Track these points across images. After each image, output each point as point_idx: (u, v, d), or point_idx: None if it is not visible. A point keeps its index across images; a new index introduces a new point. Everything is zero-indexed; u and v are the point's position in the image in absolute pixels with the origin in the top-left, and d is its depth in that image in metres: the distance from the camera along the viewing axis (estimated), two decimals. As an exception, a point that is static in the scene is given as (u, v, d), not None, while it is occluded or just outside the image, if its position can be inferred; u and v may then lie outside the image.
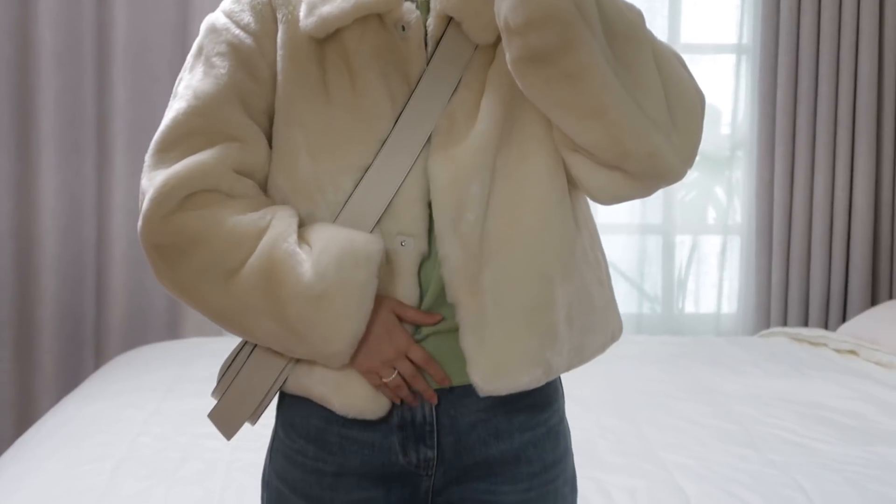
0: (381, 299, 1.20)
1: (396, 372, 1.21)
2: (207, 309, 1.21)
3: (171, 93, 1.27)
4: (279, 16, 1.24)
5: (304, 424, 1.27)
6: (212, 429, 1.31)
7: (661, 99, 1.16)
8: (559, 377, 1.32)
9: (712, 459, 2.23)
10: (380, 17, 1.22)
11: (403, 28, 1.21)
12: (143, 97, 3.55)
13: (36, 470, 2.14)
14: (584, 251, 1.28)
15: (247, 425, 1.29)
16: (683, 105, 1.19)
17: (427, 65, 1.22)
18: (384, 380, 1.21)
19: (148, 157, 1.22)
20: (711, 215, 4.07)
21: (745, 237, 3.96)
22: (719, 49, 3.97)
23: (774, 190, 3.85)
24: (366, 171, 1.21)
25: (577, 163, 1.21)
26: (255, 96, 1.23)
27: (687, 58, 1.44)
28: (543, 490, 1.28)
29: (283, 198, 1.24)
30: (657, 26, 3.85)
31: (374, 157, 1.21)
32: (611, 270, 1.54)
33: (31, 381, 3.58)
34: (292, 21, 1.23)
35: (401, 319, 1.21)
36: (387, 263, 1.21)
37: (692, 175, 3.92)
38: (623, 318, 1.40)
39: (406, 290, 1.21)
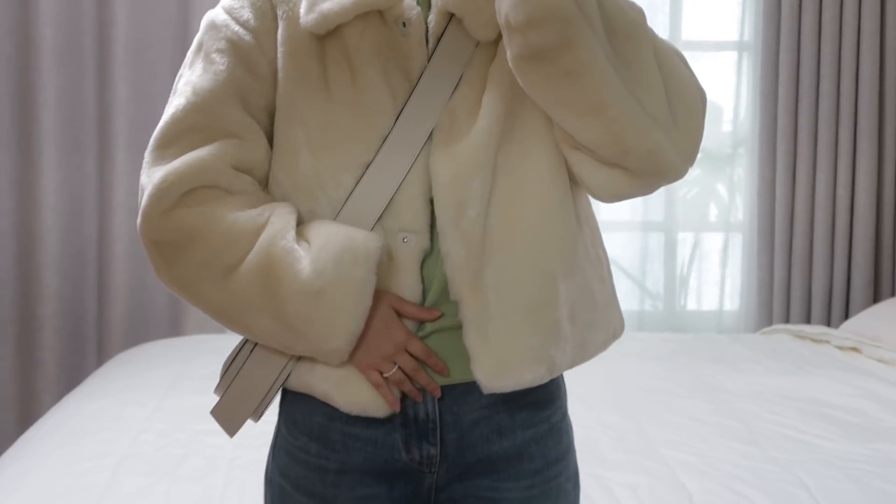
0: (380, 294, 1.20)
1: (397, 367, 1.21)
2: (206, 306, 1.21)
3: (171, 90, 1.27)
4: (279, 12, 1.24)
5: (306, 421, 1.27)
6: (214, 426, 1.31)
7: (661, 96, 1.16)
8: (562, 374, 1.32)
9: (714, 456, 2.23)
10: (380, 13, 1.22)
11: (404, 24, 1.21)
12: (143, 94, 3.56)
13: (38, 467, 2.14)
14: (585, 248, 1.28)
15: (249, 422, 1.29)
16: (684, 102, 1.18)
17: (428, 61, 1.22)
18: (385, 375, 1.21)
19: (147, 154, 1.22)
20: (713, 212, 4.07)
21: (747, 234, 3.96)
22: (721, 46, 3.97)
23: (776, 187, 3.85)
24: (367, 168, 1.21)
25: (578, 160, 1.21)
26: (254, 93, 1.23)
27: (688, 55, 1.44)
28: (546, 487, 1.28)
29: (284, 195, 1.24)
30: (658, 23, 3.85)
31: (376, 154, 1.21)
32: (613, 267, 1.54)
33: (33, 378, 3.59)
34: (292, 18, 1.23)
35: (400, 315, 1.21)
36: (389, 260, 1.21)
37: (694, 172, 3.92)
38: (625, 316, 1.40)
39: (409, 286, 1.21)
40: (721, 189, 4.04)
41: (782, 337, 3.52)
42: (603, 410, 2.52)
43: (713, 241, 4.03)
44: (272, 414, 1.32)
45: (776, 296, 3.87)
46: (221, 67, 1.22)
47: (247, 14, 1.24)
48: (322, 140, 1.22)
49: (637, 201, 3.90)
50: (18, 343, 3.59)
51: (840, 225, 3.83)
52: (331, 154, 1.22)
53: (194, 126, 1.20)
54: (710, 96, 1.30)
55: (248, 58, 1.23)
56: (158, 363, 2.96)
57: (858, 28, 3.77)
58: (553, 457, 1.29)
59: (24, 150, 3.54)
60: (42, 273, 3.54)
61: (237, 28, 1.24)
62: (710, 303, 4.04)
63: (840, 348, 3.35)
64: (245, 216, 1.18)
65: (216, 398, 1.29)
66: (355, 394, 1.22)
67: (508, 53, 1.15)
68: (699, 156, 1.25)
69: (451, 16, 1.22)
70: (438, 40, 1.22)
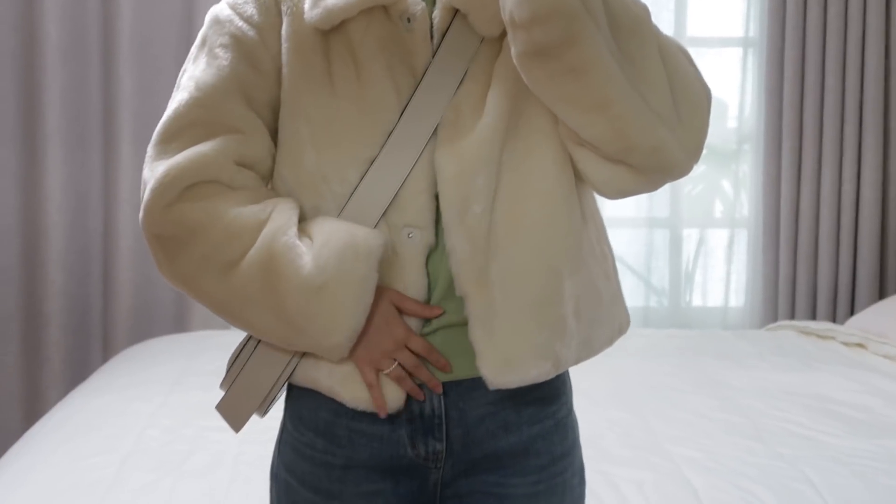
0: (381, 290, 1.20)
1: (397, 363, 1.21)
2: (207, 300, 1.21)
3: (175, 85, 1.27)
4: (283, 8, 1.24)
5: (312, 417, 1.27)
6: (219, 421, 1.31)
7: (666, 93, 1.16)
8: (567, 370, 1.32)
9: (720, 452, 2.23)
10: (385, 8, 1.21)
11: (409, 20, 1.21)
12: (148, 91, 3.56)
13: (43, 463, 2.15)
14: (590, 244, 1.27)
15: (255, 418, 1.29)
16: (689, 99, 1.18)
17: (433, 57, 1.22)
18: (385, 371, 1.21)
19: (150, 148, 1.23)
20: (718, 209, 4.07)
21: (753, 230, 3.95)
22: (725, 42, 3.96)
23: (781, 183, 3.84)
24: (371, 164, 1.21)
25: (583, 157, 1.21)
26: (257, 88, 1.23)
27: (693, 51, 1.43)
28: (552, 482, 1.28)
29: (288, 190, 1.24)
30: (663, 20, 3.84)
31: (380, 150, 1.21)
32: (618, 264, 1.54)
33: (39, 374, 3.59)
34: (297, 13, 1.23)
35: (401, 311, 1.21)
36: (394, 255, 1.21)
37: (699, 168, 3.91)
38: (630, 312, 1.40)
39: (414, 282, 1.21)
40: (726, 185, 4.04)
41: (787, 333, 3.51)
42: (608, 406, 2.52)
43: (718, 238, 4.02)
44: (278, 409, 1.33)
45: (781, 292, 3.86)
46: (225, 63, 1.22)
47: (251, 10, 1.24)
48: (326, 136, 1.22)
49: (642, 198, 3.90)
50: (24, 339, 3.60)
51: (845, 221, 3.83)
52: (335, 150, 1.22)
53: (197, 121, 1.20)
54: (715, 93, 1.29)
55: (251, 53, 1.23)
56: (164, 359, 2.96)
57: (864, 24, 3.76)
58: (559, 452, 1.29)
59: (28, 146, 3.54)
60: (47, 269, 3.54)
61: (241, 23, 1.24)
62: (715, 299, 4.04)
63: (845, 344, 3.34)
64: (247, 211, 1.18)
65: (222, 394, 1.29)
66: (361, 389, 1.22)
67: (513, 50, 1.14)
68: (704, 152, 1.25)
69: (456, 11, 1.22)
70: (443, 36, 1.22)
